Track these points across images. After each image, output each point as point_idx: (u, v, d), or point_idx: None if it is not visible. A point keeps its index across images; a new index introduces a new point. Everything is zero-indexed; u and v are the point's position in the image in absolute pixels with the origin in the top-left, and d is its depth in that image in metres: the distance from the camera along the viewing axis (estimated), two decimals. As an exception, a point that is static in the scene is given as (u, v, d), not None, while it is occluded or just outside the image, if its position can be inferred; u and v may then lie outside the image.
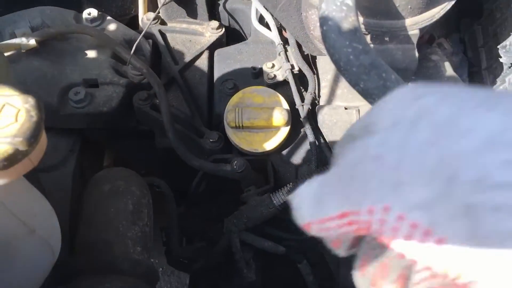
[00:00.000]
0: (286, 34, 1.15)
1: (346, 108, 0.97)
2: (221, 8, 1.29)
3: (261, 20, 1.20)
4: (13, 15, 1.14)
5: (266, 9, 0.62)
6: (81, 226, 0.83)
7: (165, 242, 1.21)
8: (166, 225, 1.19)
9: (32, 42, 1.05)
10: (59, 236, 0.69)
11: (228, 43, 1.26)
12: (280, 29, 1.16)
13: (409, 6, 0.58)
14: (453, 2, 0.62)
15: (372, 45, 0.59)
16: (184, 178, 1.18)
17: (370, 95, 0.48)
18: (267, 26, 1.18)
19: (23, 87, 0.48)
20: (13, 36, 1.07)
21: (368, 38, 0.59)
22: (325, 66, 1.07)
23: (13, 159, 0.45)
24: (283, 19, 0.66)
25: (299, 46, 1.11)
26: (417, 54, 0.61)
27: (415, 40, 0.61)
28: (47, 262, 0.68)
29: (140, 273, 0.77)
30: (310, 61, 1.10)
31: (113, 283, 0.74)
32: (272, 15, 1.07)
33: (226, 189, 1.14)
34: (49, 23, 1.14)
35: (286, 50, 1.12)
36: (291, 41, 1.11)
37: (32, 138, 0.45)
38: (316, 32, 0.65)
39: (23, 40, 1.04)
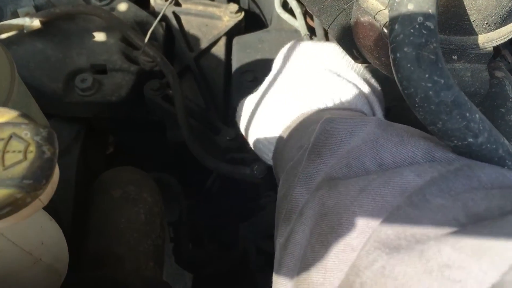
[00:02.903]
0: (313, 23, 1.05)
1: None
2: (241, -11, 1.19)
3: (285, 5, 1.11)
4: (16, -10, 1.04)
5: (307, 8, 0.54)
6: (90, 235, 0.76)
7: (172, 238, 1.15)
8: (174, 220, 1.13)
9: (36, 22, 0.95)
10: (66, 258, 0.63)
11: (246, 29, 1.16)
12: (306, 16, 1.07)
13: (486, 22, 0.50)
14: (531, 15, 0.53)
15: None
16: (197, 173, 1.11)
17: (449, 137, 0.40)
18: (291, 12, 1.09)
19: (30, 116, 0.40)
20: (16, 15, 0.97)
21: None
22: (354, 62, 0.98)
23: (20, 203, 0.37)
24: (327, 22, 0.58)
25: (326, 36, 1.02)
26: (488, 77, 0.53)
27: (487, 60, 0.52)
28: (54, 286, 0.62)
29: (152, 292, 0.71)
30: (338, 55, 1.01)
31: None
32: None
33: (242, 189, 1.07)
34: (55, 1, 1.04)
35: (312, 42, 1.02)
36: (319, 31, 1.02)
37: (43, 180, 0.38)
38: (366, 41, 0.56)
39: (26, 21, 0.95)
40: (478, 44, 0.51)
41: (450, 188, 0.36)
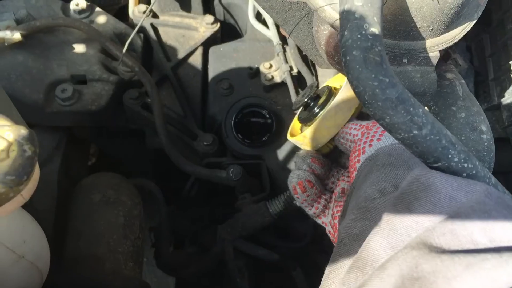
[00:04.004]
0: (285, 33, 1.10)
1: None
2: (216, 2, 1.24)
3: (258, 16, 1.16)
4: (-4, 4, 1.07)
5: (273, 18, 0.59)
6: (69, 239, 0.78)
7: (154, 244, 1.18)
8: (155, 226, 1.15)
9: (17, 35, 0.98)
10: (48, 257, 0.65)
11: (222, 39, 1.21)
12: (278, 27, 1.12)
13: (431, 28, 0.55)
14: (474, 22, 0.58)
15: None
16: (176, 178, 1.15)
17: (396, 130, 0.45)
18: (264, 23, 1.14)
19: (13, 118, 0.43)
20: (-3, 28, 1.00)
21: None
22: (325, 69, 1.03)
23: (3, 198, 0.41)
24: (291, 32, 0.62)
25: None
26: (436, 78, 0.58)
27: (434, 62, 0.57)
28: (36, 284, 0.65)
29: (133, 291, 0.73)
30: (309, 62, 1.06)
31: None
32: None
33: (219, 192, 1.11)
34: (35, 14, 1.07)
35: (284, 51, 1.07)
36: (291, 41, 1.07)
37: (25, 176, 0.41)
38: (328, 47, 0.61)
39: (7, 34, 0.98)
40: (425, 48, 0.56)
41: None
